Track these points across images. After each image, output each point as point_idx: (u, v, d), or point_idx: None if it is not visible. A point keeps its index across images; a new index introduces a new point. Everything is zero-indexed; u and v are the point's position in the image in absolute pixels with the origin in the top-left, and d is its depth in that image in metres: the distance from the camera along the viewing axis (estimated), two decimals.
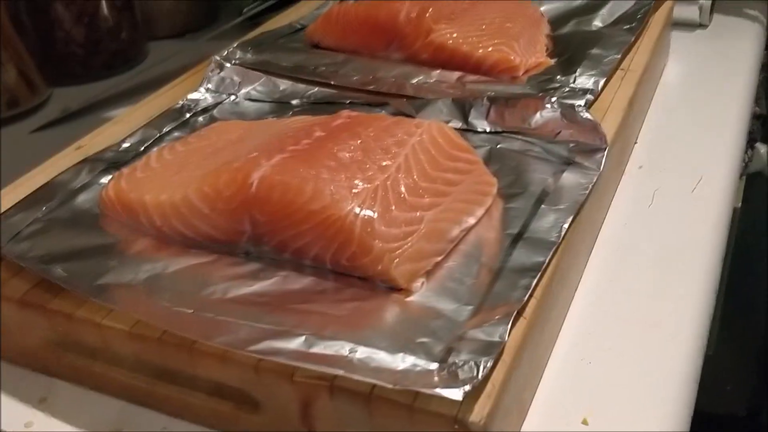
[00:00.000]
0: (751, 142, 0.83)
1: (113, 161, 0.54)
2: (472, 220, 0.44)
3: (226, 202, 0.43)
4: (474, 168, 0.46)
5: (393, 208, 0.41)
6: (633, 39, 0.64)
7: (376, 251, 0.40)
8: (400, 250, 0.40)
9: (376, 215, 0.40)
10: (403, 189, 0.42)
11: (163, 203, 0.45)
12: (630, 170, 0.59)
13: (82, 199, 0.51)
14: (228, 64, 0.63)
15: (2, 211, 0.48)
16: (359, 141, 0.45)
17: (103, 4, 0.83)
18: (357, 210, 0.40)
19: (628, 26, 0.66)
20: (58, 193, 0.50)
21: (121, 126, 0.59)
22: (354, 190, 0.41)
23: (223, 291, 0.41)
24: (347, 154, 0.44)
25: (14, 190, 0.51)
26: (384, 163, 0.43)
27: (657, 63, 0.69)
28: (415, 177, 0.43)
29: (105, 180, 0.52)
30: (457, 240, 0.43)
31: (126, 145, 0.56)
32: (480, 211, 0.45)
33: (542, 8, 0.72)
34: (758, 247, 1.02)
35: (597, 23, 0.69)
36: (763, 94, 0.86)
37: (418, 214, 0.42)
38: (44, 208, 0.49)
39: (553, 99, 0.52)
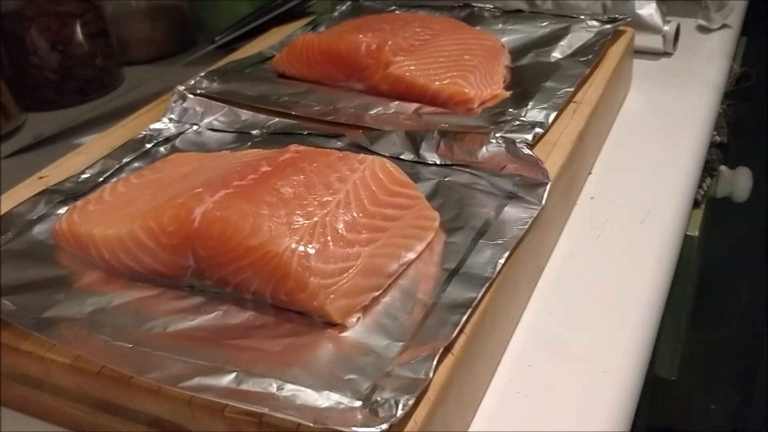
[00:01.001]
0: (710, 171, 0.84)
1: (71, 192, 0.55)
2: (412, 255, 0.45)
3: (170, 237, 0.44)
4: (415, 203, 0.47)
5: (330, 244, 0.42)
6: (588, 71, 0.65)
7: (311, 287, 0.41)
8: (335, 286, 0.41)
9: (312, 251, 0.41)
10: (341, 225, 0.43)
11: (111, 237, 0.46)
12: (581, 201, 0.60)
13: (38, 230, 0.52)
14: (191, 95, 0.65)
15: None
16: (303, 176, 0.46)
17: (78, 31, 0.84)
18: (294, 246, 0.41)
19: (584, 58, 0.67)
20: (14, 225, 0.51)
21: (83, 156, 0.60)
22: (292, 226, 0.42)
23: (163, 325, 0.42)
24: (290, 190, 0.45)
25: None
26: (325, 199, 0.44)
27: (614, 94, 0.70)
28: (354, 213, 0.44)
29: (62, 211, 0.53)
30: (395, 275, 0.44)
31: (85, 176, 0.57)
32: (420, 246, 0.46)
33: (503, 39, 0.73)
34: (726, 269, 1.03)
35: (556, 55, 0.70)
36: (725, 123, 0.87)
37: (355, 249, 0.43)
38: (0, 240, 0.50)
39: (498, 134, 0.53)
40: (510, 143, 0.52)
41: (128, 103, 0.82)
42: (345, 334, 0.40)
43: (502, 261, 0.44)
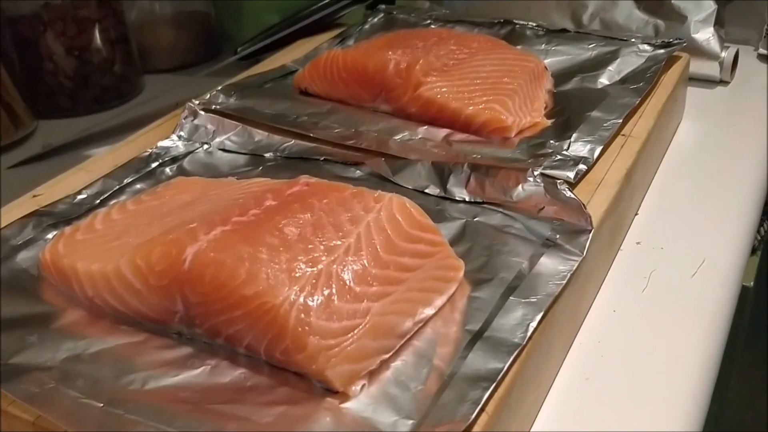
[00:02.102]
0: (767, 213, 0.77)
1: (64, 215, 0.50)
2: (430, 311, 0.40)
3: (158, 277, 0.39)
4: (437, 251, 0.41)
5: (335, 297, 0.36)
6: (638, 101, 0.59)
7: (310, 348, 0.35)
8: (338, 348, 0.35)
9: (314, 306, 0.36)
10: (350, 275, 0.38)
11: (95, 273, 0.41)
12: (627, 246, 0.54)
13: (23, 257, 0.47)
14: (202, 112, 0.60)
15: None
16: (310, 215, 0.41)
17: (96, 36, 0.80)
18: (293, 298, 0.36)
19: (634, 86, 0.61)
20: None
21: (84, 174, 0.56)
22: (293, 275, 0.37)
23: (143, 381, 0.37)
24: (294, 230, 0.40)
25: None
26: (333, 243, 0.39)
27: (666, 126, 0.64)
28: (365, 261, 0.38)
29: (51, 236, 0.48)
30: (409, 334, 0.38)
31: (82, 196, 0.52)
32: (440, 301, 0.40)
33: (546, 61, 0.67)
34: None
35: (603, 80, 0.64)
36: None
37: (364, 304, 0.37)
38: None
39: (536, 172, 0.47)
40: (550, 183, 0.46)
41: (145, 114, 0.78)
42: (347, 405, 0.35)
43: (534, 324, 0.38)
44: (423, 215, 0.42)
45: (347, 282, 0.37)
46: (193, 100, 0.63)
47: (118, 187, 0.54)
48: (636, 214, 0.58)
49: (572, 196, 0.45)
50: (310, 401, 0.35)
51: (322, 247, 0.39)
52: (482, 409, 0.34)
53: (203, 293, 0.38)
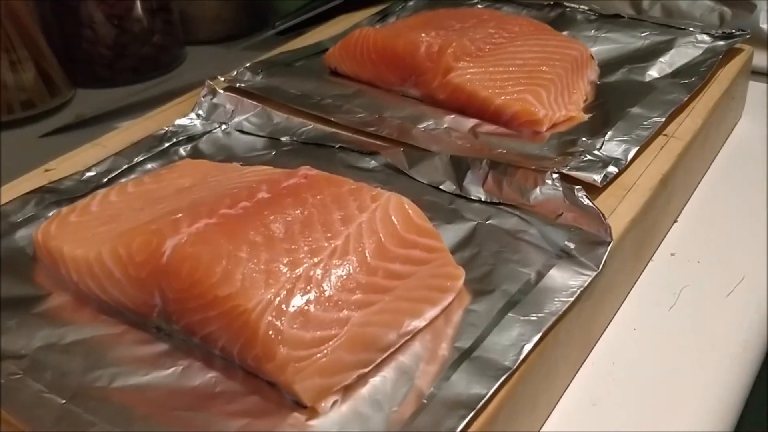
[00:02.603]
0: None
1: (69, 192, 0.49)
2: (419, 323, 0.37)
3: (137, 269, 0.37)
4: (434, 257, 0.38)
5: (312, 305, 0.34)
6: (686, 98, 0.54)
7: (279, 358, 0.33)
8: (309, 360, 0.33)
9: (288, 312, 0.33)
10: (331, 280, 0.35)
11: (79, 258, 0.40)
12: (659, 257, 0.50)
13: (21, 235, 0.46)
14: (221, 91, 0.58)
15: None
16: (301, 211, 0.38)
17: (137, 5, 0.78)
18: (266, 303, 0.33)
19: (685, 81, 0.56)
20: None
21: (98, 149, 0.55)
22: (271, 277, 0.34)
23: (110, 378, 0.35)
24: (281, 227, 0.37)
25: None
26: (319, 244, 0.36)
27: (719, 126, 0.59)
28: (351, 266, 0.36)
29: (53, 214, 0.47)
30: (393, 347, 0.36)
31: (90, 173, 0.51)
32: (433, 312, 0.37)
33: (593, 48, 0.62)
34: None
35: (652, 73, 0.59)
36: None
37: (343, 314, 0.34)
38: None
39: (555, 175, 0.44)
40: (568, 189, 0.43)
41: (180, 87, 0.76)
42: (313, 422, 0.32)
43: (529, 346, 0.35)
44: (422, 218, 0.39)
45: (327, 288, 0.35)
46: (219, 77, 0.61)
47: (127, 165, 0.52)
48: (675, 221, 0.53)
49: (590, 204, 0.41)
50: (276, 415, 0.33)
51: (306, 248, 0.36)
52: None
53: (179, 289, 0.36)
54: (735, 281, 0.47)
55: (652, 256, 0.50)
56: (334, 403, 0.33)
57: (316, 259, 0.36)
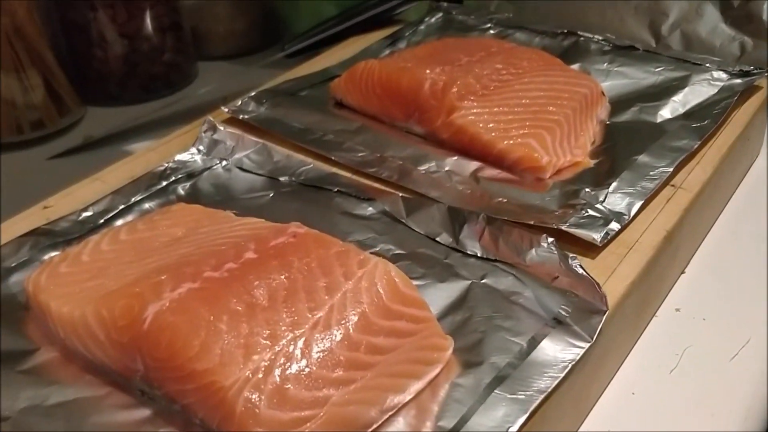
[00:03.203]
0: None
1: (65, 234, 0.49)
2: (403, 398, 0.36)
3: (120, 333, 0.37)
4: (421, 328, 0.37)
5: (290, 384, 0.33)
6: (696, 145, 0.52)
7: None
8: None
9: (267, 392, 0.33)
10: (311, 356, 0.34)
11: (64, 316, 0.40)
12: (663, 312, 0.48)
13: (15, 280, 0.46)
14: (221, 127, 0.57)
15: None
16: (286, 276, 0.37)
17: (147, 23, 0.78)
18: (242, 382, 0.33)
19: (697, 124, 0.54)
20: None
21: (98, 185, 0.54)
22: (250, 352, 0.34)
23: None
24: (264, 294, 0.36)
25: None
26: (301, 316, 0.36)
27: (732, 172, 0.57)
28: (332, 340, 0.35)
29: (48, 257, 0.47)
30: (374, 425, 0.35)
31: (87, 214, 0.51)
32: (418, 385, 0.36)
33: (605, 84, 0.61)
34: None
35: (664, 113, 0.57)
36: None
37: (323, 392, 0.34)
38: None
39: (550, 240, 0.42)
40: (563, 255, 0.41)
41: (192, 106, 0.76)
42: None
43: (514, 429, 0.34)
44: (409, 286, 0.38)
45: (307, 365, 0.34)
46: (223, 108, 0.61)
47: (124, 205, 0.52)
48: (683, 272, 0.51)
49: (584, 273, 0.40)
50: None
51: (288, 319, 0.35)
52: None
53: (158, 359, 0.36)
54: (740, 343, 0.46)
55: (656, 312, 0.48)
56: None
57: (297, 332, 0.35)
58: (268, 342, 0.34)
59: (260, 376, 0.33)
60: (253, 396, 0.33)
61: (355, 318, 0.36)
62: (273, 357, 0.34)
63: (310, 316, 0.36)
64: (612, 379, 0.44)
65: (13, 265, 0.47)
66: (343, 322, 0.36)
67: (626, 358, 0.45)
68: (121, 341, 0.37)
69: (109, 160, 0.57)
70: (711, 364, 0.45)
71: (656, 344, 0.46)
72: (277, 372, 0.33)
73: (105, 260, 0.44)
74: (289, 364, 0.34)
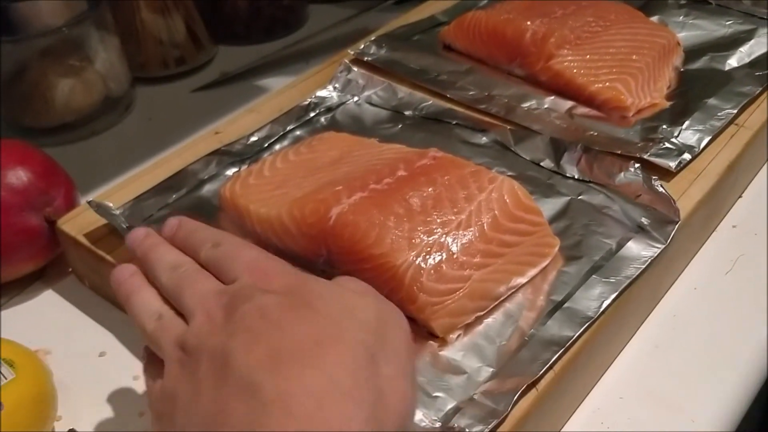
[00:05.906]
0: None
1: (240, 154, 0.62)
2: (522, 280, 0.48)
3: (309, 227, 0.50)
4: (537, 230, 0.49)
5: (443, 265, 0.46)
6: (759, 90, 0.62)
7: (420, 302, 0.45)
8: (442, 305, 0.45)
9: (426, 269, 0.45)
10: (458, 247, 0.46)
11: (263, 216, 0.52)
12: (722, 228, 0.59)
13: (207, 189, 0.59)
14: (355, 68, 0.68)
15: (140, 194, 0.57)
16: (432, 189, 0.49)
17: None
18: (409, 262, 0.45)
19: (760, 73, 0.64)
20: (187, 182, 0.59)
21: (254, 115, 0.66)
22: (413, 242, 0.46)
23: None
24: (417, 202, 0.48)
25: (153, 170, 0.60)
26: (448, 218, 0.48)
27: None
28: (472, 236, 0.47)
29: (230, 172, 0.60)
30: (503, 297, 0.47)
31: (254, 138, 0.63)
32: (533, 272, 0.49)
33: (681, 35, 0.70)
34: None
35: (732, 62, 0.66)
36: None
37: (466, 272, 0.46)
38: (174, 196, 0.58)
39: (637, 165, 0.53)
40: (646, 177, 0.52)
41: (307, 47, 0.88)
42: (443, 352, 0.45)
43: (608, 301, 0.46)
44: (528, 198, 0.50)
45: (455, 252, 0.46)
46: (349, 51, 0.72)
47: (282, 132, 0.64)
48: (740, 197, 0.62)
49: (663, 191, 0.51)
50: (417, 343, 0.45)
51: (438, 220, 0.47)
52: (551, 367, 0.43)
53: (342, 246, 0.48)
54: None
55: (716, 227, 0.59)
56: (458, 336, 0.45)
57: (446, 229, 0.47)
58: (425, 235, 0.47)
59: (422, 258, 0.46)
60: (417, 272, 0.45)
61: (488, 220, 0.48)
62: (430, 245, 0.46)
63: (454, 218, 0.48)
64: (679, 276, 0.55)
65: (205, 177, 0.60)
66: (479, 222, 0.48)
67: (691, 261, 0.56)
68: (311, 234, 0.50)
69: (244, 91, 0.71)
70: (759, 269, 0.56)
71: (716, 252, 0.57)
72: (434, 256, 0.46)
73: (282, 175, 0.56)
74: (442, 250, 0.46)
